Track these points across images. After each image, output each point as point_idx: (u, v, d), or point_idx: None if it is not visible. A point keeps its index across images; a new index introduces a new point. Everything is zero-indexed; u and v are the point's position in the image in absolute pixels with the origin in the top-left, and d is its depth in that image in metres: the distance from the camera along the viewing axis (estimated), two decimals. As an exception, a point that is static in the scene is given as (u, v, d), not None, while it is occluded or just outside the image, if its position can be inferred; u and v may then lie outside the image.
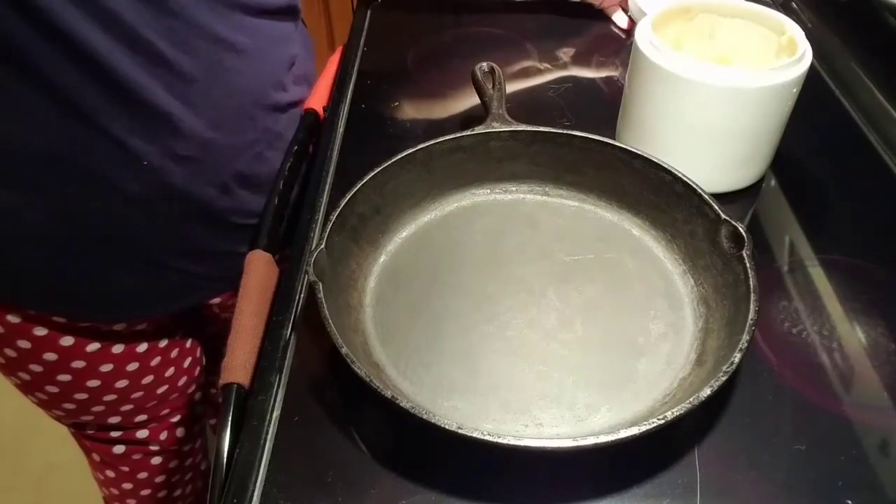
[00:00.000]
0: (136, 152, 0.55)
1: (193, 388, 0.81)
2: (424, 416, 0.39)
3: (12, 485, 1.31)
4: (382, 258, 0.56)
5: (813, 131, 0.71)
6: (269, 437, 0.45)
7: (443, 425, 0.39)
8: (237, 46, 0.58)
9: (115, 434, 0.77)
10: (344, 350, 0.42)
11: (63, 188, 0.56)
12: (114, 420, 0.75)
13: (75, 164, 0.55)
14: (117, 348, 0.69)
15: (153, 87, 0.54)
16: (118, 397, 0.72)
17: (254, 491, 0.42)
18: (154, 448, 0.80)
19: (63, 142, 0.54)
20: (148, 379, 0.73)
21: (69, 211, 0.57)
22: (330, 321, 0.43)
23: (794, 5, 0.90)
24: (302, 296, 0.54)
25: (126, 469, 0.80)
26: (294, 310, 0.53)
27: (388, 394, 0.40)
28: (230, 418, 0.46)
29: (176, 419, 0.80)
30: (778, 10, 0.73)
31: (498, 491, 0.43)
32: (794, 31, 0.60)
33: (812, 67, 0.58)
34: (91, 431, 0.77)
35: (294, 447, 0.45)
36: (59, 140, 0.54)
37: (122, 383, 0.71)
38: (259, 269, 0.56)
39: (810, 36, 0.60)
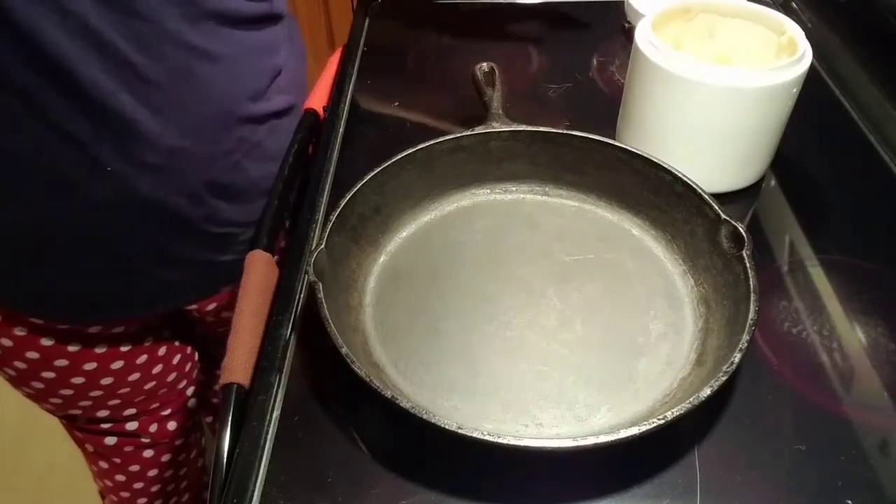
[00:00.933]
0: (99, 158, 0.54)
1: (185, 383, 0.81)
2: (424, 416, 0.39)
3: (12, 485, 1.31)
4: (382, 258, 0.56)
5: (813, 131, 0.71)
6: (269, 437, 0.45)
7: (443, 425, 0.39)
8: (211, 54, 0.57)
9: (105, 426, 0.77)
10: (344, 350, 0.42)
11: (26, 191, 0.55)
12: (102, 413, 0.75)
13: (38, 167, 0.54)
14: (100, 348, 0.69)
15: (118, 93, 0.52)
16: (104, 393, 0.72)
17: (254, 491, 0.42)
18: (145, 441, 0.80)
19: (26, 144, 0.53)
20: (135, 376, 0.73)
21: (33, 214, 0.57)
22: (330, 321, 0.43)
23: (794, 5, 0.90)
24: (302, 296, 0.54)
25: (118, 461, 0.80)
26: (294, 310, 0.53)
27: (388, 394, 0.40)
28: (230, 418, 0.46)
29: (166, 413, 0.80)
30: (778, 10, 0.73)
31: (498, 491, 0.43)
32: (794, 31, 0.60)
33: (812, 67, 0.58)
34: (82, 423, 0.77)
35: (294, 447, 0.45)
36: (21, 142, 0.53)
37: (107, 380, 0.71)
38: (259, 269, 0.56)
39: (810, 36, 0.60)
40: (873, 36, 0.76)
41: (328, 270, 0.48)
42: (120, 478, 0.82)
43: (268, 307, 0.53)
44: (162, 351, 0.76)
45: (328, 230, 0.50)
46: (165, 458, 0.83)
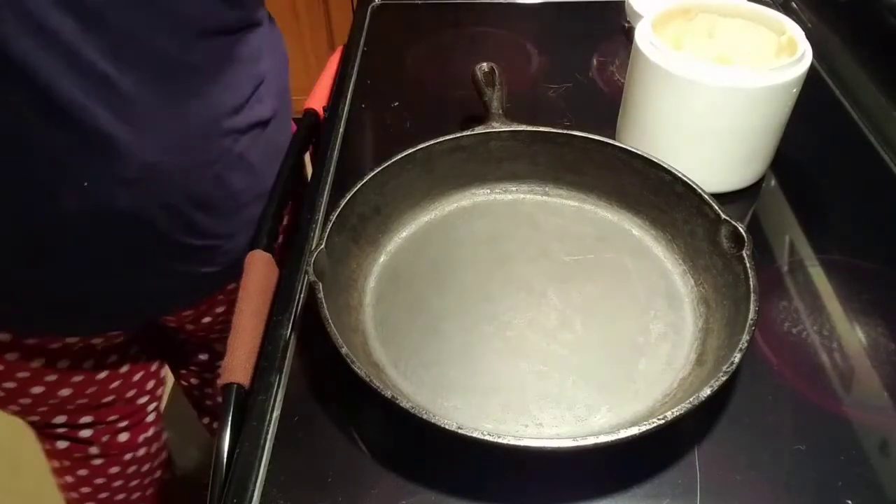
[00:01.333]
0: (74, 172, 0.53)
1: (146, 399, 0.80)
2: (424, 416, 0.39)
3: (12, 486, 1.31)
4: (382, 258, 0.56)
5: (813, 131, 0.71)
6: (269, 437, 0.45)
7: (443, 425, 0.39)
8: (188, 66, 0.55)
9: (60, 430, 0.76)
10: (344, 350, 0.42)
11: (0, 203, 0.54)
12: (59, 419, 0.74)
13: (12, 179, 0.53)
14: (62, 363, 0.68)
15: (93, 107, 0.51)
16: (59, 402, 0.71)
17: (254, 491, 0.42)
18: (93, 451, 0.79)
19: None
20: (92, 389, 0.72)
21: (9, 223, 0.55)
22: (330, 321, 0.43)
23: (794, 5, 0.90)
24: (302, 296, 0.54)
25: (68, 463, 0.80)
26: (294, 310, 0.53)
27: (388, 394, 0.40)
28: (230, 418, 0.46)
29: (123, 425, 0.79)
30: (778, 10, 0.73)
31: (498, 491, 0.43)
32: (794, 31, 0.60)
33: (812, 67, 0.58)
34: (38, 426, 0.77)
35: (294, 447, 0.45)
36: None
37: (65, 392, 0.70)
38: (259, 269, 0.56)
39: (810, 36, 0.60)
40: (873, 36, 0.76)
41: (328, 270, 0.48)
42: (69, 479, 0.81)
43: (268, 307, 0.53)
44: (124, 369, 0.75)
45: (328, 230, 0.50)
46: (114, 469, 0.82)
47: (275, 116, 0.66)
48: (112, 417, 0.78)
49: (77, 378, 0.70)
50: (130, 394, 0.78)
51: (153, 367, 0.81)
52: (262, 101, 0.64)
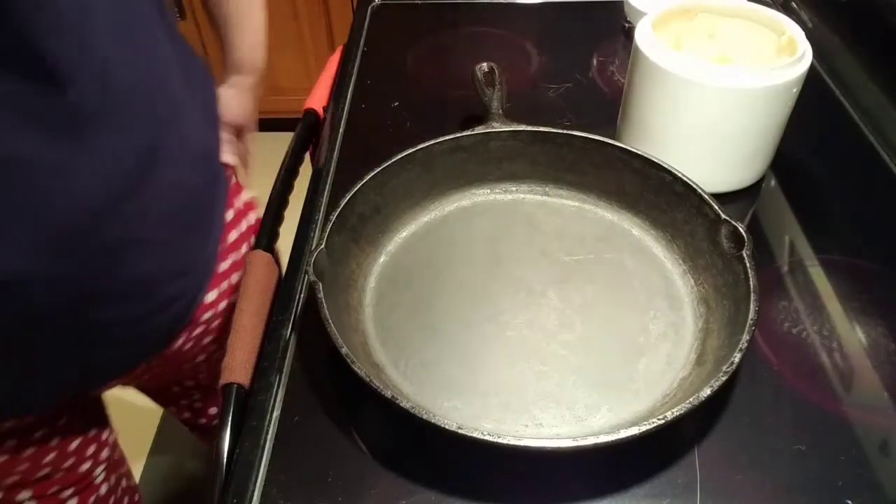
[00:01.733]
0: None
1: (89, 465, 0.74)
2: (424, 416, 0.39)
3: None
4: (382, 258, 0.56)
5: (813, 131, 0.71)
6: (269, 437, 0.45)
7: (443, 425, 0.39)
8: (23, 163, 0.44)
9: None
10: (344, 350, 0.42)
11: None
12: None
13: None
14: None
15: None
16: None
17: (254, 491, 0.42)
18: None
19: None
20: (22, 467, 0.67)
21: None
22: (330, 321, 0.43)
23: (794, 5, 0.90)
24: (302, 296, 0.54)
25: None
26: (294, 310, 0.53)
27: (388, 394, 0.40)
28: (230, 418, 0.46)
29: (68, 493, 0.73)
30: (778, 10, 0.73)
31: (498, 491, 0.43)
32: (794, 31, 0.60)
33: (812, 67, 0.58)
34: None
35: (294, 447, 0.45)
36: None
37: None
38: (259, 269, 0.56)
39: (810, 36, 0.60)
40: (873, 36, 0.76)
41: (328, 270, 0.48)
42: None
43: (268, 307, 0.53)
44: (54, 442, 0.69)
45: (328, 230, 0.50)
46: None
47: (196, 173, 0.57)
48: (53, 489, 0.71)
49: (2, 458, 0.65)
50: (68, 463, 0.70)
51: (91, 433, 0.73)
52: (170, 159, 0.53)
